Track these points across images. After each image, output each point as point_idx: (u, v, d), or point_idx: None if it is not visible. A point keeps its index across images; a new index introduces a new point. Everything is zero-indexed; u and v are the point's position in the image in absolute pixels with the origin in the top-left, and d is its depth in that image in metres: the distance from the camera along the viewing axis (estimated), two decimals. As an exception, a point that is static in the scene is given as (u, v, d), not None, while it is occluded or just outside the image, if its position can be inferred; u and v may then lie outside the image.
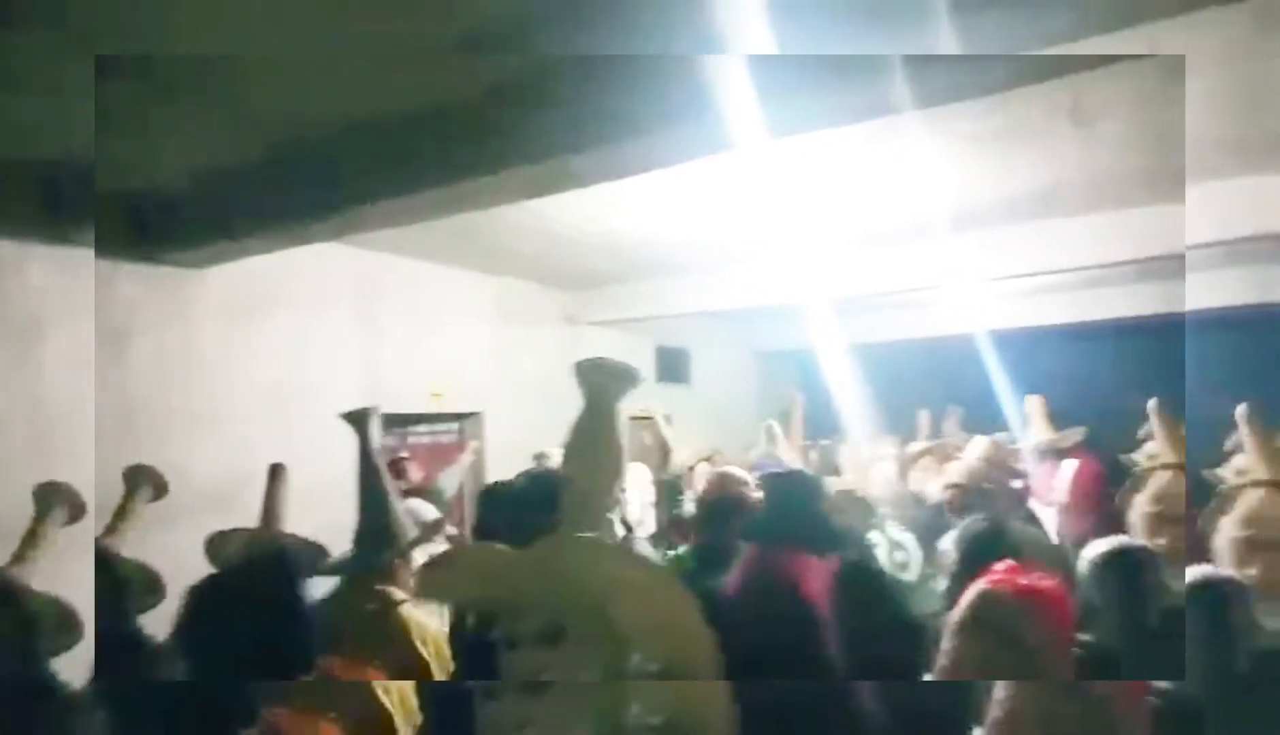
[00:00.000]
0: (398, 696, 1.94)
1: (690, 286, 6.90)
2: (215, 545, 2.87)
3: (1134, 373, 7.46)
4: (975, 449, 3.56)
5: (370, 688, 1.89)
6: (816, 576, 2.45)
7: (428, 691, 2.05)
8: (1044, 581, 1.80)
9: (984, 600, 1.81)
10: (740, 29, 2.10)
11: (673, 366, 8.93)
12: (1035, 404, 4.72)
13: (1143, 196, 4.89)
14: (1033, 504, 4.17)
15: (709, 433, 7.44)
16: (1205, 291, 7.01)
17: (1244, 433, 2.84)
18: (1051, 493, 4.05)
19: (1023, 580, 1.82)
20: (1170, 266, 6.50)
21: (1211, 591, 2.05)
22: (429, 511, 3.82)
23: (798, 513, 2.52)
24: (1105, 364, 8.24)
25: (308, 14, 2.40)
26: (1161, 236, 5.11)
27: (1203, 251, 5.28)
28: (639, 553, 1.87)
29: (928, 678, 1.96)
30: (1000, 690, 1.56)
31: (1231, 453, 3.95)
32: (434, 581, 1.94)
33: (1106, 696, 1.47)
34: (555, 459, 4.50)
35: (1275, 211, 4.49)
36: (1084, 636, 2.07)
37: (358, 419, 2.77)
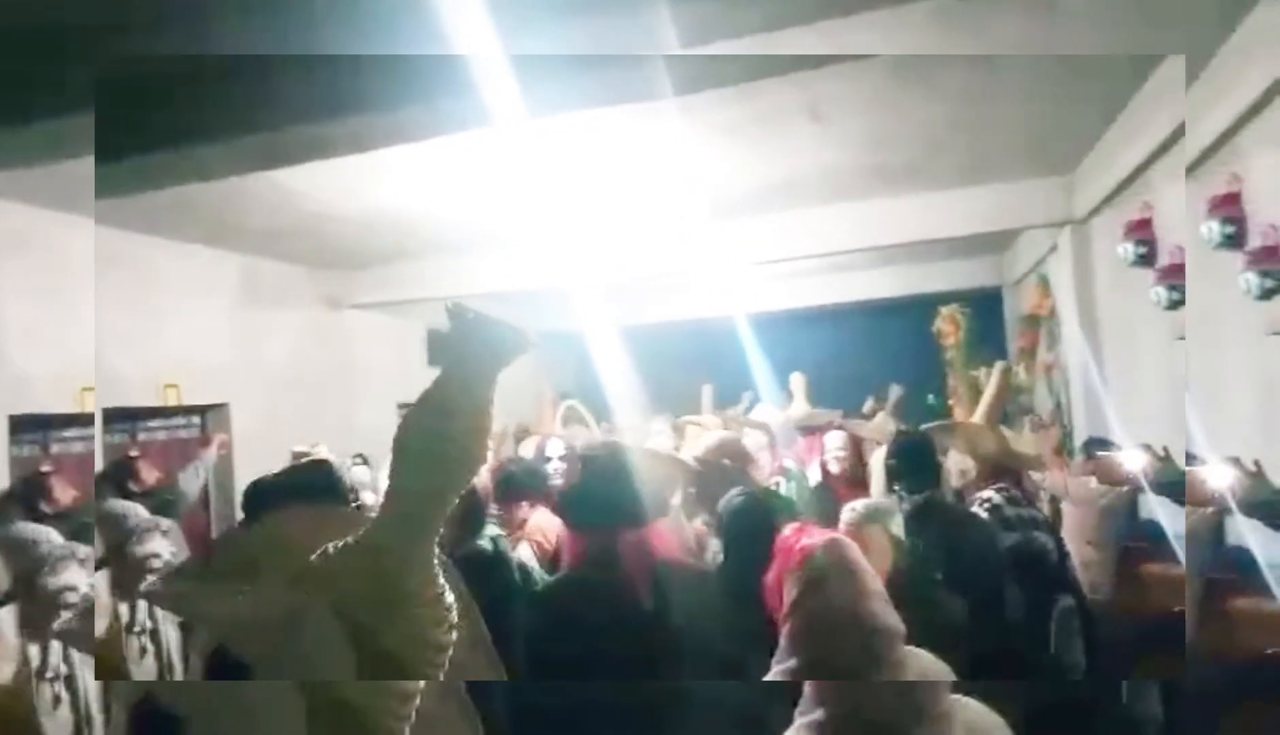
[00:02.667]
0: None
1: (464, 267, 6.71)
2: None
3: (878, 350, 8.24)
4: (711, 435, 3.71)
5: None
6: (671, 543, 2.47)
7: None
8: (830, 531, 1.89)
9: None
10: (464, 22, 2.02)
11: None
12: (797, 381, 5.04)
13: (879, 189, 5.35)
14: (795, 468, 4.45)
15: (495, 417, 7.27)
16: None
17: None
18: (811, 461, 4.33)
19: (815, 533, 1.88)
20: (907, 253, 7.24)
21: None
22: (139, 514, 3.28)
23: (624, 486, 2.39)
24: (856, 342, 8.95)
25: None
26: (894, 227, 5.66)
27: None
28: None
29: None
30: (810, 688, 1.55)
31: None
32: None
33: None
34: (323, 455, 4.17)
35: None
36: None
37: None
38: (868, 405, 5.36)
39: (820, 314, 8.96)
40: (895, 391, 5.27)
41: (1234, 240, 3.51)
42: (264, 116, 2.86)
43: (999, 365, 3.73)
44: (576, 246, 5.72)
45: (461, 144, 3.67)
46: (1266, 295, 3.23)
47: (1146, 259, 4.13)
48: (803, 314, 8.83)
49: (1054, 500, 4.21)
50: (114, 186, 3.28)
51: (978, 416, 3.47)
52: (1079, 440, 5.02)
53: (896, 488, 2.94)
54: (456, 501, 1.41)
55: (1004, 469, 3.19)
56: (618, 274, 6.28)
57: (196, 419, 5.76)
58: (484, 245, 6.27)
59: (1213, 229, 3.57)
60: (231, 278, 5.98)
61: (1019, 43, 2.81)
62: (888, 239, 5.79)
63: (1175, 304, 3.77)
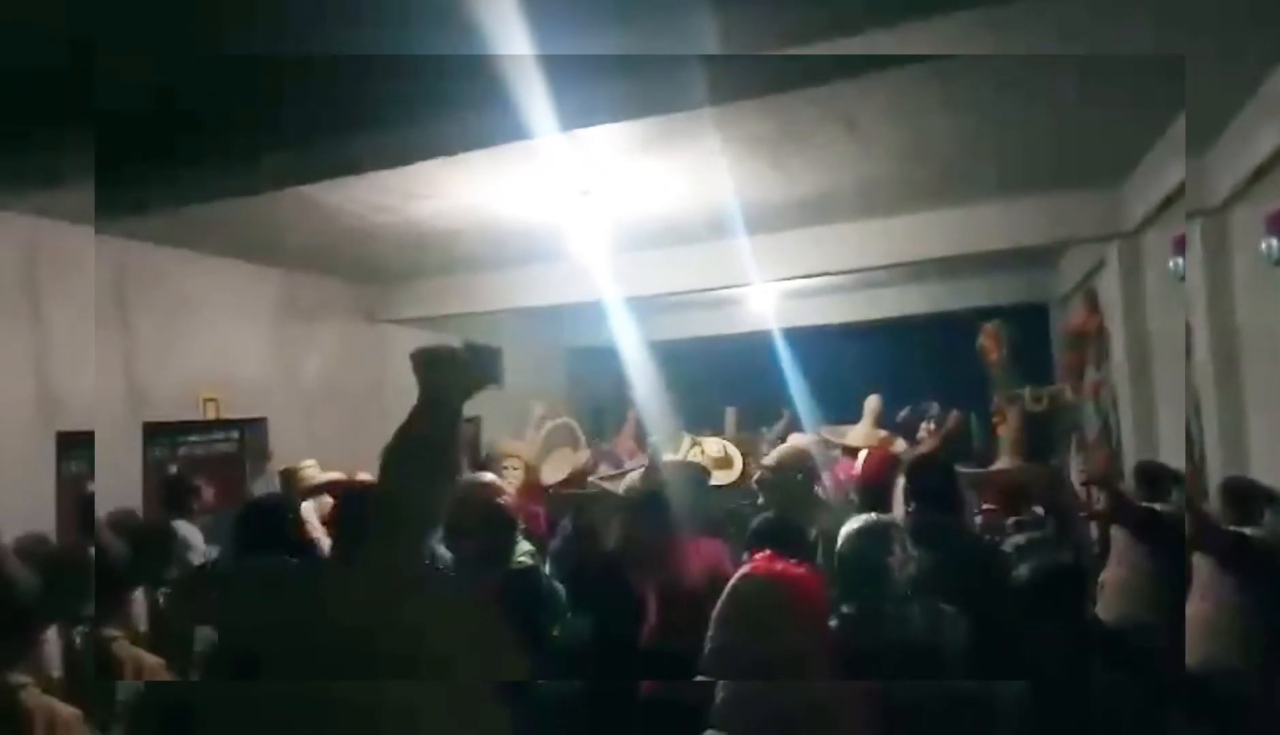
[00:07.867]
0: None
1: (500, 282, 6.72)
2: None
3: (921, 368, 8.07)
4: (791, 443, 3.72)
5: None
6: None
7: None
8: (795, 567, 1.90)
9: (744, 585, 1.87)
10: (500, 25, 2.00)
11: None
12: (873, 403, 4.79)
13: (910, 203, 5.23)
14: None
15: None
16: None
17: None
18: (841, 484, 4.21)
19: (777, 566, 1.91)
20: (948, 268, 7.09)
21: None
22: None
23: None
24: (898, 360, 8.73)
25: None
26: (933, 241, 5.53)
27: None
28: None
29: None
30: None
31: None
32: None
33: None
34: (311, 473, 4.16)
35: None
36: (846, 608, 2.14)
37: None
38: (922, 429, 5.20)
39: (859, 330, 8.82)
40: (955, 416, 5.09)
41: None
42: (294, 130, 2.87)
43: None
44: (607, 261, 5.67)
45: (501, 156, 3.65)
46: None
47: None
48: (840, 330, 8.70)
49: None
50: (141, 205, 3.32)
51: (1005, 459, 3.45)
52: (1129, 463, 4.84)
53: (911, 507, 2.90)
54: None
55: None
56: (649, 289, 6.23)
57: (235, 433, 5.81)
58: (520, 260, 6.27)
59: (1273, 246, 3.65)
60: (270, 292, 6.06)
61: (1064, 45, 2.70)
62: (926, 253, 5.65)
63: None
